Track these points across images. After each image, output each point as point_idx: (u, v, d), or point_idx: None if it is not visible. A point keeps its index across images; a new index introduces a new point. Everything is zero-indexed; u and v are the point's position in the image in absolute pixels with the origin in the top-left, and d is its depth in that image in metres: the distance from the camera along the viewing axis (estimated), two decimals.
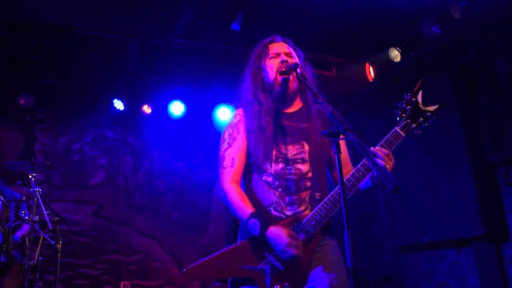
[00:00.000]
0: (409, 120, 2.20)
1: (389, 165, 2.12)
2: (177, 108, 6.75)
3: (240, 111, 2.50)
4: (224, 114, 6.65)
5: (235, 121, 2.46)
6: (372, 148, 2.15)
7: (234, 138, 2.41)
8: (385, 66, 5.43)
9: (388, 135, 2.19)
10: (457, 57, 4.74)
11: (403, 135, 2.19)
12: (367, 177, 2.18)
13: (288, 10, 5.15)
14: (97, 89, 6.52)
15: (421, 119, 2.21)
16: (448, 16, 4.51)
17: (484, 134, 4.38)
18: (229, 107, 6.45)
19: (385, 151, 2.14)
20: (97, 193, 6.56)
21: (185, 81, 6.48)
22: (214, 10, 5.21)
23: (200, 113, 6.89)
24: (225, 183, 2.34)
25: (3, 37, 5.29)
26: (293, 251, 2.08)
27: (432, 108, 2.22)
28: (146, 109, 6.69)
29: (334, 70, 6.05)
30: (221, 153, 2.41)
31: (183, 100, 6.76)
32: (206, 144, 6.90)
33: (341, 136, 1.78)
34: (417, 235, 4.96)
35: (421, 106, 2.21)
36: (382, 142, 2.18)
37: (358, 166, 2.18)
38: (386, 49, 5.32)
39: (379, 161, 2.10)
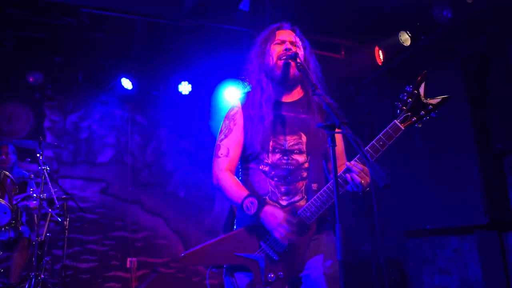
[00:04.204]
0: (409, 113, 2.14)
1: (365, 181, 2.08)
2: (185, 88, 6.75)
3: (237, 102, 2.50)
4: (231, 94, 6.62)
5: (232, 112, 2.47)
6: (347, 163, 2.14)
7: (230, 130, 2.41)
8: (394, 49, 5.34)
9: (387, 128, 2.15)
10: (469, 42, 4.64)
11: (403, 128, 2.14)
12: (348, 185, 2.17)
13: None
14: (105, 68, 6.55)
15: (423, 112, 2.14)
16: (460, 0, 4.40)
17: (493, 122, 4.32)
18: (237, 87, 6.42)
19: (360, 166, 2.10)
20: (105, 170, 6.64)
21: (193, 60, 6.47)
22: None
23: (207, 93, 6.88)
24: (219, 170, 2.36)
25: (12, 14, 5.31)
26: (287, 227, 2.09)
27: (434, 101, 2.14)
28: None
29: (343, 52, 5.97)
30: (217, 143, 2.43)
31: (191, 80, 6.75)
32: (213, 124, 6.91)
33: (337, 130, 1.77)
34: (421, 220, 4.97)
35: (423, 98, 2.14)
36: (380, 135, 2.15)
37: (340, 173, 2.16)
38: (396, 33, 5.22)
39: (354, 175, 2.09)
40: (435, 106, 2.15)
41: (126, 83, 6.53)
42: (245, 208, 2.20)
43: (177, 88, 6.74)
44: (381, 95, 5.91)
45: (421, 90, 2.16)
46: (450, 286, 4.75)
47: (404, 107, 2.16)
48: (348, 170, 2.13)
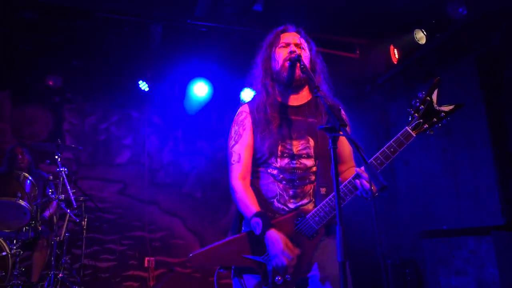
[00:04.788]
0: (421, 120, 2.13)
1: (373, 187, 2.06)
2: (200, 89, 6.80)
3: (245, 107, 2.51)
4: (247, 95, 6.65)
5: (241, 118, 2.48)
6: (357, 169, 2.13)
7: (240, 135, 2.42)
8: (409, 48, 5.29)
9: (398, 135, 2.14)
10: (484, 39, 4.57)
11: (414, 135, 2.13)
12: (358, 191, 2.16)
13: None
14: (122, 70, 6.64)
15: (435, 119, 2.13)
16: None
17: (509, 121, 4.24)
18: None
19: None
20: (123, 171, 6.74)
21: (209, 62, 6.52)
22: None
23: (223, 94, 6.93)
24: (233, 179, 2.37)
25: (30, 19, 5.44)
26: (284, 261, 2.09)
27: (447, 108, 2.13)
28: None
29: (358, 51, 5.94)
30: (229, 150, 2.44)
31: (206, 81, 6.80)
32: (229, 125, 6.90)
33: (337, 132, 1.78)
34: (438, 221, 4.93)
35: (435, 105, 2.13)
36: (391, 141, 2.14)
37: (350, 179, 2.17)
38: (411, 31, 5.17)
39: (363, 181, 2.09)
40: (448, 113, 2.14)
41: (143, 86, 6.63)
42: (252, 227, 2.21)
43: (192, 89, 6.80)
44: (397, 93, 5.87)
45: (434, 96, 2.15)
46: (466, 287, 4.68)
47: (416, 114, 2.15)
48: (357, 176, 2.12)
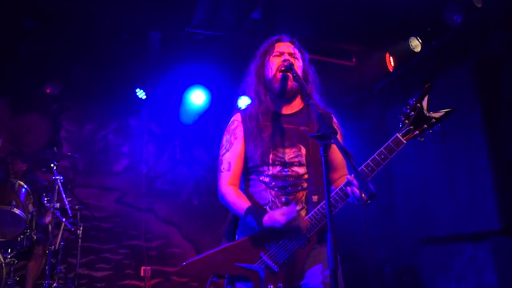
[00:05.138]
0: (412, 127, 2.15)
1: (363, 195, 2.07)
2: (198, 97, 6.80)
3: (237, 116, 2.53)
4: (245, 103, 6.63)
5: (233, 126, 2.50)
6: (347, 176, 2.14)
7: (231, 143, 2.45)
8: (405, 55, 5.30)
9: (389, 142, 2.16)
10: (480, 46, 4.58)
11: (404, 142, 2.14)
12: (349, 198, 2.16)
13: None
14: (120, 78, 6.62)
15: (425, 125, 2.14)
16: (470, 4, 4.35)
17: (506, 127, 4.24)
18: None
19: None
20: (120, 180, 6.70)
21: (206, 70, 6.53)
22: None
23: (221, 102, 6.92)
24: (222, 185, 2.40)
25: (29, 27, 5.45)
26: (298, 223, 2.10)
27: (437, 114, 2.15)
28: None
29: (354, 59, 5.95)
30: (220, 158, 2.48)
31: (204, 89, 6.81)
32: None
33: (328, 140, 1.78)
34: (436, 227, 4.91)
35: (426, 112, 2.14)
36: (382, 148, 2.15)
37: (341, 186, 2.17)
38: (406, 38, 5.19)
39: (354, 189, 2.08)
40: (438, 119, 2.15)
41: (141, 94, 6.63)
42: (249, 223, 2.23)
43: (190, 97, 6.80)
44: (394, 101, 5.88)
45: (424, 103, 2.16)
46: None
47: (407, 121, 2.17)
48: (348, 183, 2.13)
